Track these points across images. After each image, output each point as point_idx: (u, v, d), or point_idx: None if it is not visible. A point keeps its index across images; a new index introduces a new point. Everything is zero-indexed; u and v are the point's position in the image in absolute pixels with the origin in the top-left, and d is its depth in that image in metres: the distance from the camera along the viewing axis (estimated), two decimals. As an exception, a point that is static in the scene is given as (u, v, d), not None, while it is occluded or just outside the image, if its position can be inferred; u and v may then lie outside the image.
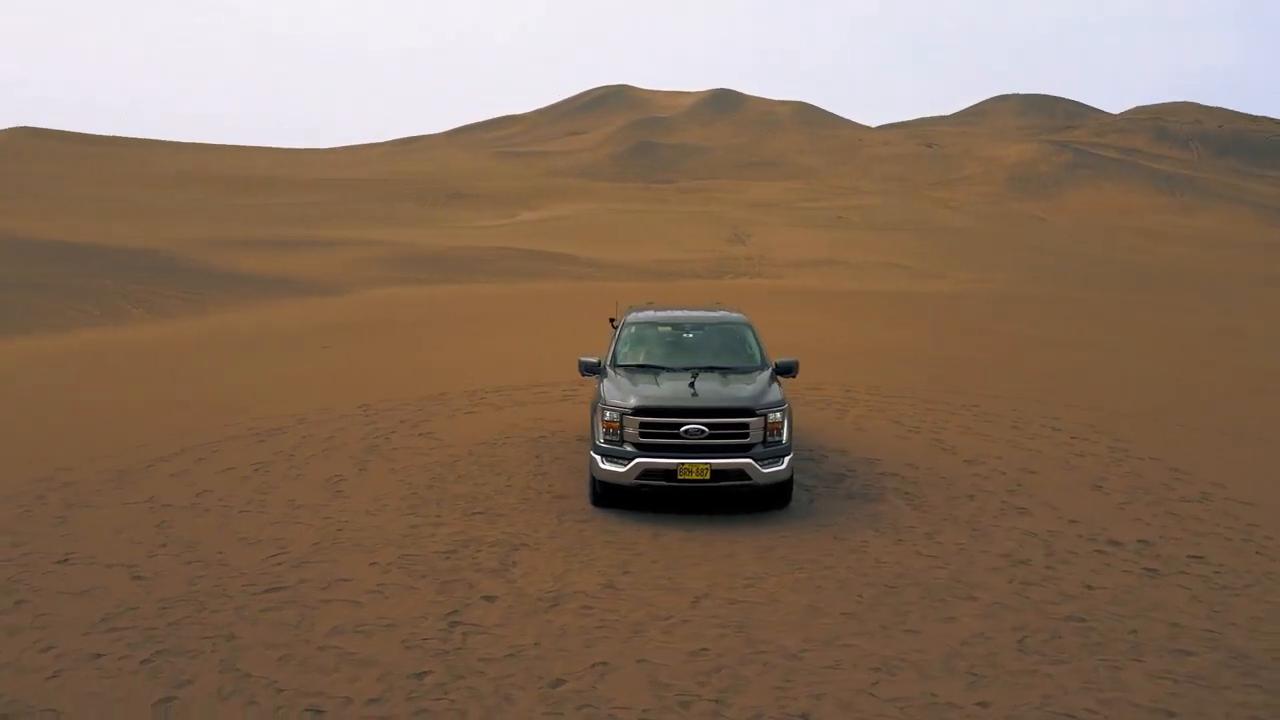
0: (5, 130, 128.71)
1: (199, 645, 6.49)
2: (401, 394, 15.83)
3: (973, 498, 10.36)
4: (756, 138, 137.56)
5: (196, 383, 17.08)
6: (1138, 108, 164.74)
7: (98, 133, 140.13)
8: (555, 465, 11.43)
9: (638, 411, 9.23)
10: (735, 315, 11.45)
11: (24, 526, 9.13)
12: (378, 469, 11.29)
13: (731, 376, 10.10)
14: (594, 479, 9.59)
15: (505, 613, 7.09)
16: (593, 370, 10.56)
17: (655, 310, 11.74)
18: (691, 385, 9.64)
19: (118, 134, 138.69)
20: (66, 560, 8.20)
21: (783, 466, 9.34)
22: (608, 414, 9.36)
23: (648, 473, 9.16)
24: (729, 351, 10.79)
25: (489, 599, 7.37)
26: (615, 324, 11.88)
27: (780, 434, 9.37)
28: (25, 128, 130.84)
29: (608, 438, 9.35)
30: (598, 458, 9.40)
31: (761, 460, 9.22)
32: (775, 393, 9.68)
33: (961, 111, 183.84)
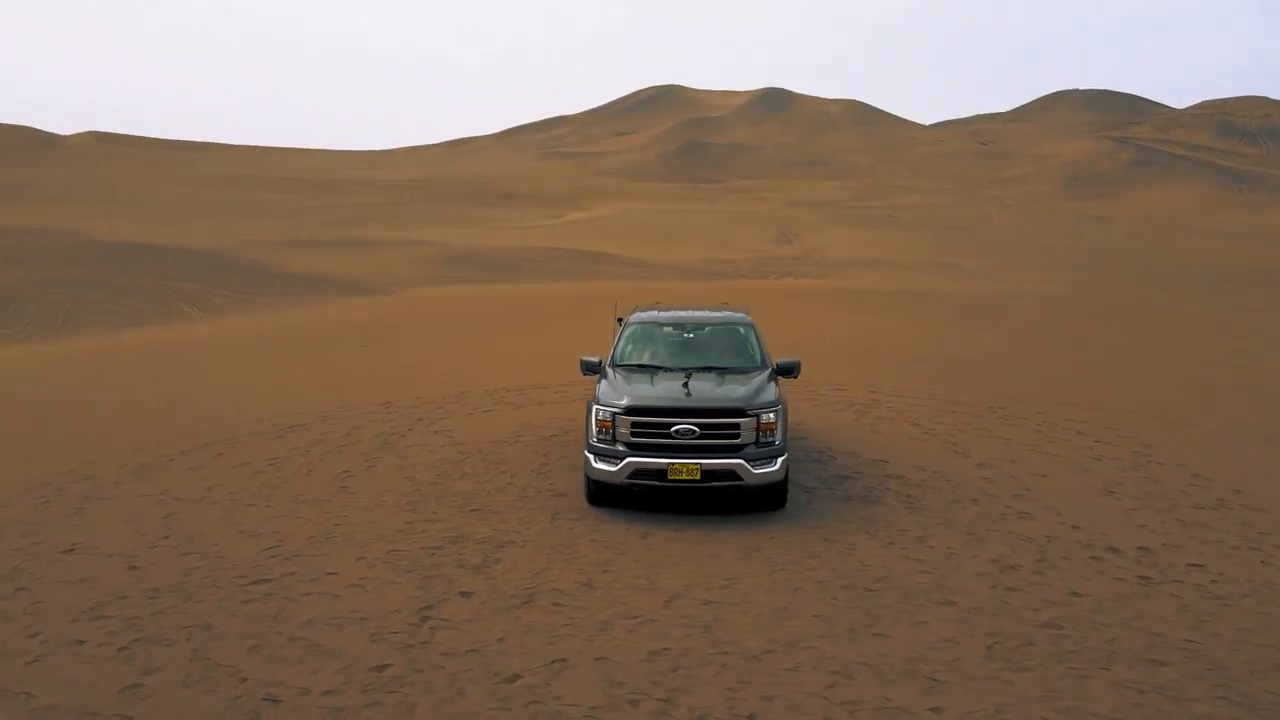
0: (79, 135, 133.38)
1: (176, 634, 6.70)
2: (425, 392, 16.08)
3: (976, 501, 10.20)
4: (807, 137, 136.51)
5: (230, 379, 17.54)
6: (1204, 102, 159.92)
7: (166, 137, 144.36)
8: (560, 464, 11.51)
9: (629, 411, 9.28)
10: (738, 315, 11.42)
11: (40, 517, 9.48)
12: (386, 465, 11.49)
13: (728, 377, 10.09)
14: (588, 478, 9.66)
15: (478, 609, 7.19)
16: (593, 369, 10.63)
17: (659, 310, 11.77)
18: (685, 385, 9.66)
19: (186, 138, 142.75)
20: (72, 550, 8.51)
21: (775, 467, 9.31)
22: (600, 413, 9.42)
23: (638, 472, 9.20)
24: (729, 352, 10.78)
25: (465, 595, 7.48)
26: (622, 323, 11.95)
27: (773, 435, 9.33)
28: (97, 132, 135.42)
29: (600, 437, 9.41)
30: (590, 457, 9.47)
31: (753, 461, 9.19)
32: (770, 393, 9.64)
33: (1019, 108, 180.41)
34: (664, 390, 9.60)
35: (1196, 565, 8.34)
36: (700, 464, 9.12)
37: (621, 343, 10.94)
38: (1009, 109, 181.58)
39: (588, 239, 54.54)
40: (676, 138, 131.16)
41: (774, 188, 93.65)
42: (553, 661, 6.31)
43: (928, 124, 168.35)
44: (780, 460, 9.35)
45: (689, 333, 11.06)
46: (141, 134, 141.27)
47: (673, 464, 9.11)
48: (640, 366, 10.45)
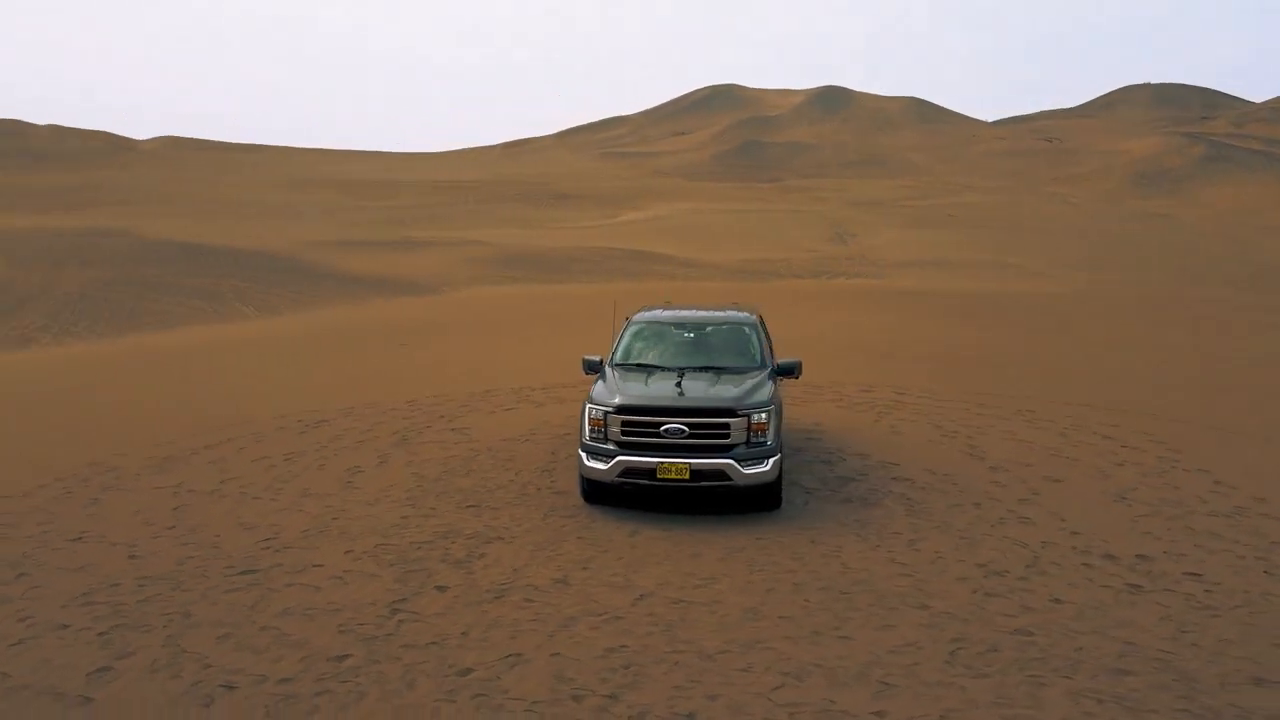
0: (153, 139, 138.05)
1: (156, 621, 6.94)
2: (452, 389, 16.32)
3: (979, 505, 10.02)
4: (865, 135, 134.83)
5: (268, 376, 18.04)
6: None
7: (236, 141, 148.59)
8: (568, 462, 11.60)
9: (620, 410, 9.33)
10: (741, 315, 11.39)
11: (58, 506, 9.88)
12: (396, 462, 11.70)
13: (724, 377, 10.07)
14: (581, 476, 9.74)
15: (449, 603, 7.31)
16: (594, 369, 10.70)
17: (663, 310, 11.80)
18: (678, 385, 9.67)
19: (256, 141, 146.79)
20: (79, 538, 8.86)
21: (766, 468, 9.26)
22: (593, 411, 9.49)
23: (629, 471, 9.25)
24: (730, 352, 10.75)
25: (441, 589, 7.60)
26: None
27: (764, 435, 9.29)
28: (171, 137, 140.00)
29: (593, 435, 9.48)
30: (583, 455, 9.55)
31: (743, 461, 9.17)
32: (763, 394, 9.60)
33: (1087, 104, 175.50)
34: (656, 389, 9.63)
35: (1193, 574, 8.09)
36: (689, 464, 9.13)
37: (622, 342, 11.00)
38: (1076, 104, 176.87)
39: (641, 239, 54.67)
40: (733, 137, 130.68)
41: (831, 187, 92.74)
42: (508, 656, 6.39)
43: (990, 121, 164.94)
44: (772, 461, 9.31)
45: (690, 332, 11.06)
46: (213, 138, 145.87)
47: (662, 463, 9.14)
48: (639, 366, 10.50)
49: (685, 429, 9.17)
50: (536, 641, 6.62)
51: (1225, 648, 6.63)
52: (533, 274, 43.83)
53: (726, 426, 9.19)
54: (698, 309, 11.89)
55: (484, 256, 48.02)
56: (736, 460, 9.15)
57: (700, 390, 9.61)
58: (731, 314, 11.49)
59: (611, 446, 9.35)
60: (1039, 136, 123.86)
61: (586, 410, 9.60)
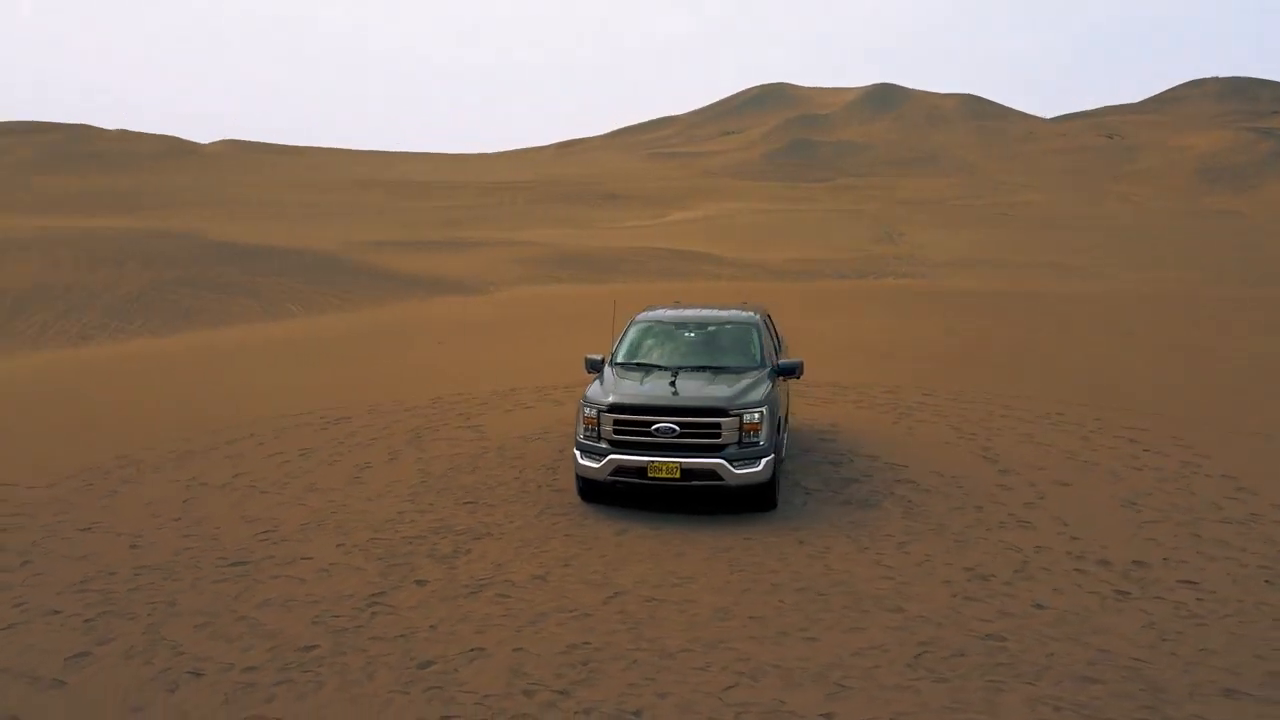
0: (216, 143, 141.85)
1: (141, 609, 7.17)
2: (476, 388, 16.53)
3: (980, 509, 9.86)
4: (919, 133, 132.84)
5: (301, 374, 18.42)
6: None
7: (296, 143, 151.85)
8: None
9: (612, 409, 9.37)
10: (744, 315, 11.34)
11: (77, 497, 10.25)
12: (407, 458, 11.89)
13: (720, 376, 10.05)
14: (576, 474, 9.81)
15: (426, 597, 7.43)
16: (595, 367, 10.76)
17: (665, 309, 11.81)
18: (672, 384, 9.69)
19: (314, 144, 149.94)
20: (89, 529, 9.17)
21: (759, 468, 9.22)
22: (587, 410, 9.55)
23: (620, 469, 9.29)
24: (730, 351, 10.72)
25: (420, 583, 7.73)
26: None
27: (757, 435, 9.25)
28: (233, 140, 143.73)
29: (586, 433, 9.54)
30: (578, 453, 9.61)
31: (735, 461, 9.14)
32: (757, 394, 9.56)
33: (1151, 98, 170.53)
34: (649, 389, 9.65)
35: (1189, 582, 7.87)
36: (680, 463, 9.14)
37: (623, 341, 11.04)
38: (1139, 99, 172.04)
39: (688, 239, 54.66)
40: (783, 136, 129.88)
41: (882, 186, 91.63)
42: (471, 650, 6.48)
43: (1049, 118, 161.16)
44: (765, 461, 9.26)
45: (690, 332, 11.06)
46: (274, 141, 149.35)
47: (653, 462, 9.16)
48: (638, 365, 10.53)
49: (676, 428, 9.18)
50: (501, 636, 6.70)
51: (1204, 658, 6.44)
52: (578, 274, 44.09)
53: (718, 426, 9.18)
54: (702, 308, 11.88)
55: (532, 257, 48.42)
56: (728, 460, 9.13)
57: (693, 390, 9.61)
58: (734, 313, 11.46)
59: (604, 445, 9.40)
60: (1100, 133, 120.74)
61: (581, 409, 9.68)
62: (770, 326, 11.84)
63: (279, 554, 8.41)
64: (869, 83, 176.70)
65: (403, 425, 13.72)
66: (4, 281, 36.04)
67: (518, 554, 8.41)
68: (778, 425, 9.79)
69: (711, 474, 9.14)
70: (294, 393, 16.21)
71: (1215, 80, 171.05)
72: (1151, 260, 46.62)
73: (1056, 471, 11.33)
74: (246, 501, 10.08)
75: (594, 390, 9.82)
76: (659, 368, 10.34)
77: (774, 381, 10.14)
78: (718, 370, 10.25)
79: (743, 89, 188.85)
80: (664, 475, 9.15)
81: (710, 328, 11.13)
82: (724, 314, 11.46)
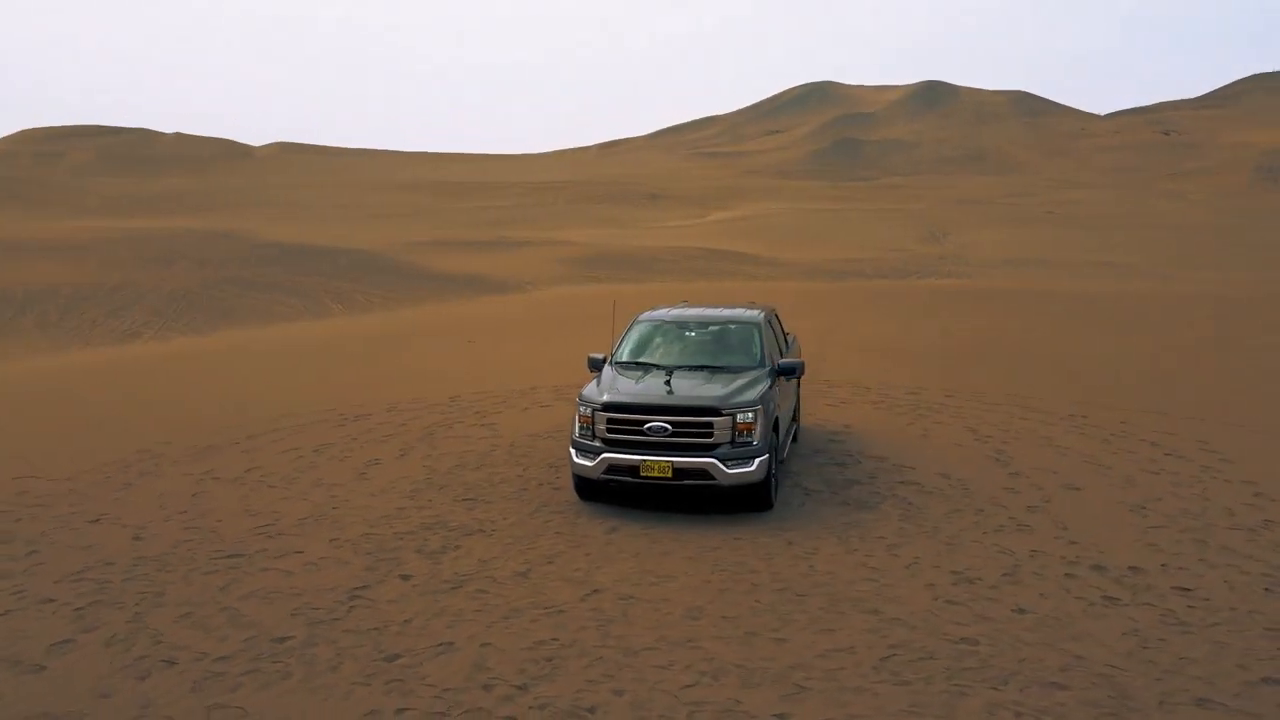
0: (268, 145, 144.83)
1: (130, 599, 7.38)
2: (496, 386, 16.67)
3: (980, 512, 9.71)
4: (966, 131, 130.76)
5: (328, 373, 18.73)
6: None
7: (345, 145, 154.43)
8: (577, 459, 11.73)
9: (606, 408, 9.41)
10: (746, 315, 11.30)
11: (94, 490, 10.55)
12: (416, 455, 12.04)
13: (716, 376, 10.03)
14: (572, 472, 9.87)
15: (406, 592, 7.53)
16: (597, 366, 10.80)
17: (667, 309, 11.81)
18: (667, 383, 9.69)
19: (362, 146, 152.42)
20: (97, 520, 9.44)
21: (752, 468, 9.19)
22: (582, 409, 9.60)
23: (613, 468, 9.32)
24: (731, 351, 10.69)
25: (404, 578, 7.83)
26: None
27: (750, 435, 9.22)
28: (284, 143, 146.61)
29: (581, 432, 9.59)
30: (573, 451, 9.66)
31: (727, 460, 9.12)
32: (752, 393, 9.52)
33: (1210, 94, 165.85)
34: (644, 388, 9.67)
35: (1183, 589, 7.67)
36: (672, 462, 9.14)
37: (624, 341, 11.07)
38: (1198, 95, 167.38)
39: (728, 239, 54.50)
40: (828, 135, 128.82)
41: (928, 185, 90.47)
42: (440, 644, 6.56)
43: (1103, 114, 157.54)
44: (758, 461, 9.22)
45: (691, 331, 11.05)
46: (324, 143, 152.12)
47: (645, 461, 9.18)
48: (637, 364, 10.55)
49: (669, 427, 9.18)
50: (472, 632, 6.77)
51: (1183, 666, 6.28)
52: (616, 273, 44.22)
53: (710, 425, 9.17)
54: (706, 308, 11.86)
55: (572, 256, 48.68)
56: (720, 460, 9.11)
57: (687, 389, 9.61)
58: (736, 313, 11.42)
59: (598, 443, 9.44)
60: (1157, 129, 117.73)
61: (577, 407, 9.73)
62: (775, 326, 11.77)
63: (272, 547, 8.58)
64: (916, 80, 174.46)
65: (418, 423, 13.89)
66: (59, 280, 37.22)
67: (505, 550, 8.49)
68: (775, 425, 9.74)
69: (703, 473, 9.12)
70: (321, 390, 16.50)
71: (1278, 75, 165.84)
72: (1214, 260, 45.39)
73: (1068, 475, 11.11)
74: (253, 495, 10.29)
75: (590, 389, 9.88)
76: (658, 367, 10.35)
77: (772, 381, 10.08)
78: (716, 370, 10.23)
79: (787, 87, 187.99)
80: (656, 474, 9.17)
81: (712, 327, 11.11)
82: (726, 313, 11.43)
